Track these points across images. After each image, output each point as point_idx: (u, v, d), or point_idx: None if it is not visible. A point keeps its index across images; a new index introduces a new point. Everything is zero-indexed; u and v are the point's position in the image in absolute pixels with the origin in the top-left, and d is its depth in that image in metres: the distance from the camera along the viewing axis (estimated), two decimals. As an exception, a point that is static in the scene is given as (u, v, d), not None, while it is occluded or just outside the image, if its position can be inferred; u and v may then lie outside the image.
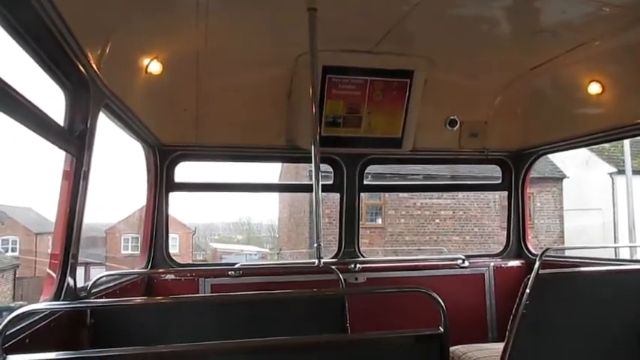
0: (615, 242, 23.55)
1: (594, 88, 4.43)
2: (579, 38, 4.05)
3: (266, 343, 2.10)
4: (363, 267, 5.31)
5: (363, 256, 5.49)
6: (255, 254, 38.23)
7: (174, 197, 5.18)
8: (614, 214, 25.27)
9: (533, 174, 6.13)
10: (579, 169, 26.38)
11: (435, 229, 25.33)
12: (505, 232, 6.02)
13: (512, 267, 5.69)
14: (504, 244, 5.95)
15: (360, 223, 5.62)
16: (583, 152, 24.54)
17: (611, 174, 26.03)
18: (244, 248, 42.58)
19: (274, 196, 37.39)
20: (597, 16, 3.63)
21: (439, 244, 24.61)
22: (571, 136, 5.08)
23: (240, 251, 39.04)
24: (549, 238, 25.76)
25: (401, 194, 24.30)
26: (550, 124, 5.19)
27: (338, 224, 5.51)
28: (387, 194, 24.28)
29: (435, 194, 24.66)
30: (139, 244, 5.25)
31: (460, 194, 24.36)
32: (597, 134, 4.77)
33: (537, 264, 3.22)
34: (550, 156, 20.70)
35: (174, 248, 36.39)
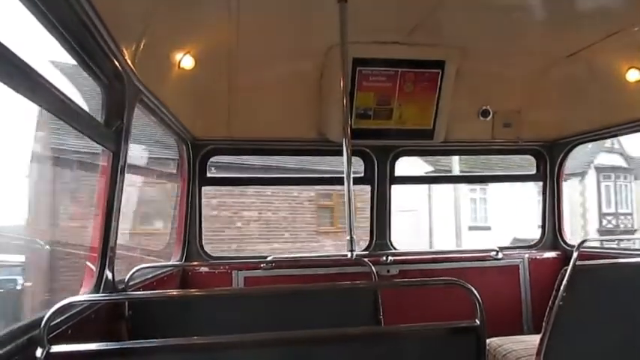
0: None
1: (633, 75, 4.31)
2: (617, 24, 3.93)
3: (300, 335, 2.11)
4: (395, 259, 5.30)
5: (395, 249, 5.47)
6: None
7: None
8: (429, 215, 23.74)
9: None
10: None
11: (236, 233, 18.93)
12: (540, 224, 5.90)
13: (547, 258, 5.59)
14: (539, 235, 5.85)
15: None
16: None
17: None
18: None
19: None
20: (636, 1, 3.52)
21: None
22: (609, 124, 4.96)
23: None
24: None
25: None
26: (587, 112, 5.06)
27: (369, 216, 5.51)
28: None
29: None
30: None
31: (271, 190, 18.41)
32: (636, 122, 4.64)
33: (575, 255, 3.17)
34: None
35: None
